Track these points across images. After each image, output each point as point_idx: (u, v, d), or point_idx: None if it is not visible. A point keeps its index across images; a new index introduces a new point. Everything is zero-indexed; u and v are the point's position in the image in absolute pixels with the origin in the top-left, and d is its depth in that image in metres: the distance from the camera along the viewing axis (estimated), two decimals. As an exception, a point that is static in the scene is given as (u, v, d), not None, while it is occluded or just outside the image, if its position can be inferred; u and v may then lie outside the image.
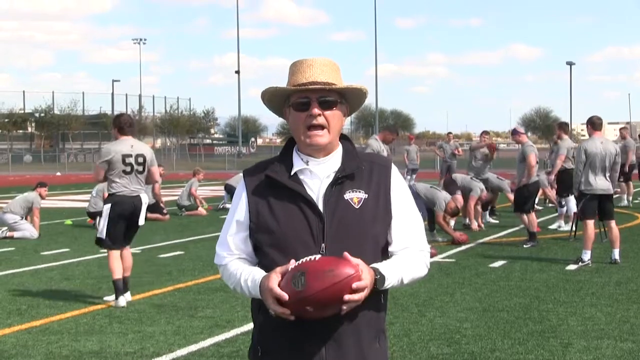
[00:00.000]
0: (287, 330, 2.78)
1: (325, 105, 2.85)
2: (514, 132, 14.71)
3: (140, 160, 9.19)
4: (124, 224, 9.16)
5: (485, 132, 18.90)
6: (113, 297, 9.09)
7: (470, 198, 16.35)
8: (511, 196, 17.73)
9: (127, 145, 9.19)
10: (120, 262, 9.14)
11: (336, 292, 2.60)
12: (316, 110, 2.83)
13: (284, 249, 2.80)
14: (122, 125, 9.28)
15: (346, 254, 2.67)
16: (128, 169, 9.10)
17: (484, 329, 7.68)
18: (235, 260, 2.92)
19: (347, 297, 2.62)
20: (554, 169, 15.99)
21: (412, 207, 2.96)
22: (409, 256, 2.88)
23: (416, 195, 13.99)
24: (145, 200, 9.30)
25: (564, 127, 16.78)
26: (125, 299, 9.02)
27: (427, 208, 14.18)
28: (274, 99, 2.95)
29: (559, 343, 7.14)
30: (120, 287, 9.01)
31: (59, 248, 14.24)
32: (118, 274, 9.05)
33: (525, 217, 13.83)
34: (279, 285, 2.66)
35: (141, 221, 9.29)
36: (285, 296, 2.62)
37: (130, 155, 9.12)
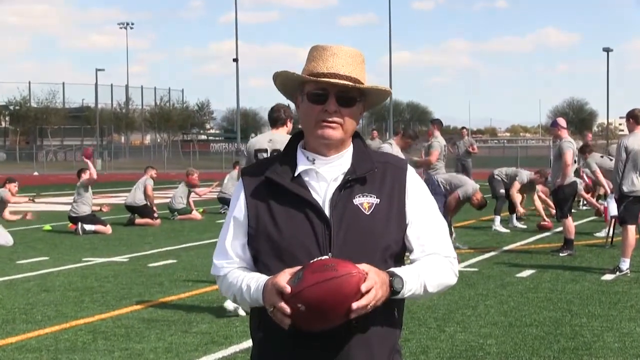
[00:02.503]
0: (289, 349, 2.78)
1: (343, 102, 2.83)
2: (554, 124, 14.34)
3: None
4: None
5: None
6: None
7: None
8: (517, 186, 17.80)
9: (265, 140, 9.00)
10: None
11: (331, 289, 2.58)
12: (333, 107, 2.82)
13: (285, 258, 2.80)
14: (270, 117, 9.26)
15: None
16: None
17: (510, 345, 7.70)
18: (235, 269, 2.92)
19: (355, 304, 2.61)
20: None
21: (434, 211, 2.96)
22: (432, 260, 2.88)
23: (437, 190, 14.01)
24: None
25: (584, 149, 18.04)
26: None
27: (444, 215, 14.17)
28: (288, 83, 2.95)
29: (594, 362, 7.16)
30: None
31: (36, 256, 14.28)
32: None
33: (567, 222, 13.72)
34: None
35: None
36: (289, 288, 2.62)
37: (265, 151, 8.80)
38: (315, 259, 2.69)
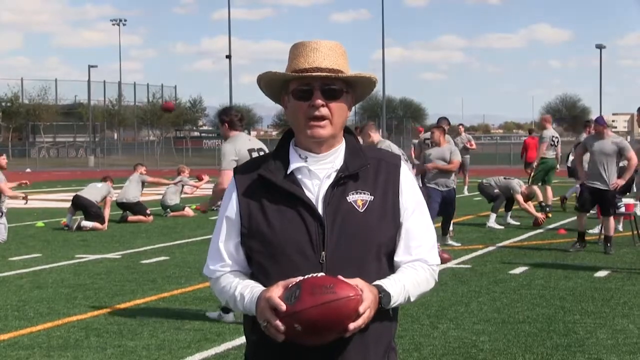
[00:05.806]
0: (284, 350, 2.76)
1: (329, 94, 2.82)
2: (600, 122, 13.72)
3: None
4: None
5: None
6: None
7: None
8: (520, 197, 17.52)
9: (246, 140, 8.91)
10: None
11: (330, 312, 2.58)
12: (319, 101, 2.80)
13: (278, 258, 2.79)
14: (233, 119, 8.95)
15: (340, 277, 2.67)
16: None
17: (503, 342, 7.70)
18: (228, 273, 2.91)
19: (351, 325, 2.61)
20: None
21: (423, 213, 2.95)
22: (416, 270, 2.87)
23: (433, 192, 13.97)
24: None
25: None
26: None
27: (441, 208, 14.13)
28: (272, 84, 2.93)
29: (587, 358, 7.17)
30: None
31: (29, 253, 14.25)
32: None
33: (612, 220, 13.57)
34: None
35: None
36: (284, 306, 2.61)
37: (255, 150, 8.78)
38: (309, 275, 2.67)
